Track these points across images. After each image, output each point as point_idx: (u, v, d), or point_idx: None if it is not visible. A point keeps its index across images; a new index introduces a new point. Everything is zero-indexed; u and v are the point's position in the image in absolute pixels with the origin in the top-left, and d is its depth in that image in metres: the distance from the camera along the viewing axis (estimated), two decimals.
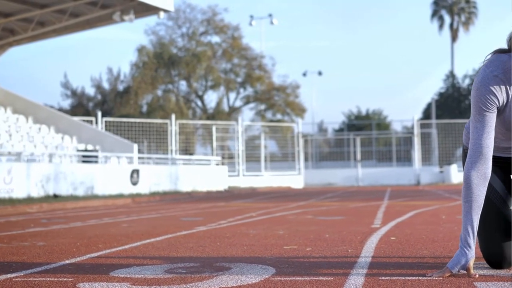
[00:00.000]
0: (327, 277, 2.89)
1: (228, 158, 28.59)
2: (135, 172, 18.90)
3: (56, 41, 75.59)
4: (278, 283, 2.76)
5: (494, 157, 3.14)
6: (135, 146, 21.45)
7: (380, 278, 2.85)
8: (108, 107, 42.20)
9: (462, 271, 2.83)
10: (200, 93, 39.24)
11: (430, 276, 2.86)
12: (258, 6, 79.41)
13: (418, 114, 43.76)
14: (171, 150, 25.54)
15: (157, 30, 38.65)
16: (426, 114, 47.37)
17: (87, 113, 39.81)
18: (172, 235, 5.15)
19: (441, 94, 48.37)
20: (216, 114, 37.64)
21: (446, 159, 31.86)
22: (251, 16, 41.25)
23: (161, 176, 20.08)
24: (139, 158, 21.82)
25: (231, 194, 17.96)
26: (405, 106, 77.07)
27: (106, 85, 43.33)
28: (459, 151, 33.37)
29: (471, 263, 2.82)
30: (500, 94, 2.82)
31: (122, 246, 4.42)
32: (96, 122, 24.73)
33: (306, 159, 31.46)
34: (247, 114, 40.19)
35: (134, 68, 37.64)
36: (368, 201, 11.64)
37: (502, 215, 3.05)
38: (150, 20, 48.04)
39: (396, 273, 2.98)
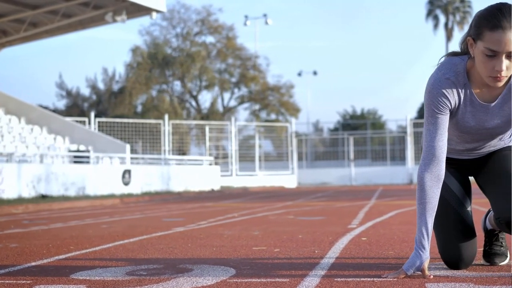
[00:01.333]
0: (284, 279, 2.91)
1: (223, 158, 28.61)
2: (127, 172, 18.92)
3: (51, 41, 75.65)
4: (233, 285, 2.78)
5: (451, 159, 3.16)
6: (128, 147, 21.47)
7: (335, 279, 2.87)
8: (103, 107, 42.20)
9: (417, 272, 2.85)
10: (194, 93, 39.26)
11: (385, 277, 2.87)
12: (254, 6, 79.41)
13: (412, 113, 43.78)
14: (164, 150, 25.55)
15: (152, 30, 38.75)
16: (421, 113, 47.42)
17: (82, 113, 39.80)
18: (147, 236, 5.16)
19: None
20: (211, 114, 37.68)
21: None
22: (246, 16, 41.32)
23: (153, 176, 20.10)
24: (132, 158, 21.84)
25: (222, 194, 17.97)
26: (399, 106, 77.23)
27: (101, 86, 43.34)
28: None
29: (426, 264, 2.84)
30: (452, 96, 2.84)
31: (93, 247, 4.43)
32: (89, 123, 24.73)
33: (300, 159, 31.48)
34: (242, 114, 40.22)
35: (128, 69, 37.64)
36: (355, 200, 11.67)
37: (459, 217, 3.07)
38: (144, 21, 47.96)
39: (353, 274, 3.00)
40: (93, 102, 44.47)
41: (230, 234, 5.25)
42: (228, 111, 39.54)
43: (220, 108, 39.67)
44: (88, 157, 19.41)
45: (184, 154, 27.40)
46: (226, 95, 39.90)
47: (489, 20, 2.64)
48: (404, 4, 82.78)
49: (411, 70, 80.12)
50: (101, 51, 71.96)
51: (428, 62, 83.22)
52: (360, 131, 39.38)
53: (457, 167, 3.18)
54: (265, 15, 41.20)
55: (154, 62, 37.08)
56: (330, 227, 5.74)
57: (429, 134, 2.86)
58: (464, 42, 2.86)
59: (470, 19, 45.25)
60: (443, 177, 2.88)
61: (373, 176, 30.87)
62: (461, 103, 2.86)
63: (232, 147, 27.48)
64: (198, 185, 21.75)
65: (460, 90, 2.84)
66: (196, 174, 22.29)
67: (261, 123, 34.41)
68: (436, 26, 49.98)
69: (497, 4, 2.70)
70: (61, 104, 46.44)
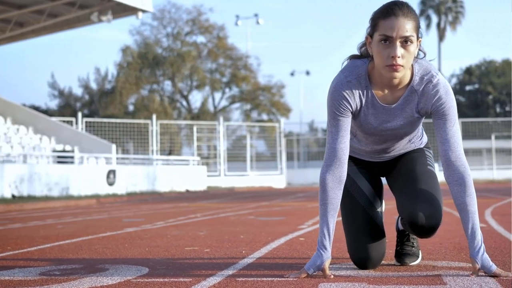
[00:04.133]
0: (187, 278, 2.93)
1: (214, 158, 28.62)
2: (112, 172, 18.91)
3: (43, 40, 75.51)
4: (133, 284, 2.80)
5: (363, 161, 3.19)
6: (113, 147, 21.45)
7: (237, 279, 2.88)
8: (96, 107, 42.19)
9: (319, 272, 2.87)
10: (185, 93, 39.26)
11: (287, 277, 2.89)
12: (245, 6, 79.45)
13: None
14: (152, 151, 25.56)
15: (142, 30, 38.70)
16: None
17: (74, 113, 39.80)
18: (92, 237, 5.18)
19: None
20: (201, 114, 37.68)
21: (434, 158, 31.94)
22: (237, 16, 41.35)
23: (138, 176, 20.11)
24: (118, 158, 21.84)
25: (206, 195, 18.00)
26: None
27: (94, 85, 43.31)
28: None
29: (327, 264, 2.86)
30: (353, 99, 2.86)
31: (30, 248, 4.44)
32: (77, 123, 24.73)
33: (292, 159, 31.48)
34: (234, 114, 40.23)
35: (118, 69, 37.63)
36: None
37: (368, 217, 3.09)
38: (134, 20, 48.00)
39: (259, 274, 3.01)
40: (86, 102, 44.45)
41: (176, 234, 5.27)
42: (220, 111, 39.57)
43: (211, 108, 39.69)
44: (72, 157, 19.42)
45: (170, 154, 27.39)
46: (217, 95, 39.95)
47: (383, 11, 2.71)
48: None
49: None
50: (94, 51, 72.01)
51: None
52: None
53: (369, 169, 3.21)
54: (256, 15, 41.26)
55: (144, 62, 37.08)
56: (280, 228, 5.76)
57: (331, 136, 2.88)
58: (363, 47, 2.89)
59: (462, 19, 45.29)
60: (345, 178, 2.91)
61: None
62: (363, 105, 2.89)
63: (221, 147, 27.49)
64: (184, 185, 21.76)
65: (361, 93, 2.86)
66: (183, 174, 22.30)
67: (251, 123, 34.44)
68: (428, 26, 50.02)
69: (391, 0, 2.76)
70: (54, 104, 46.46)
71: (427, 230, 2.84)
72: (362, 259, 3.06)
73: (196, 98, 50.67)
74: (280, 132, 29.55)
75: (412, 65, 2.82)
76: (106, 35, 72.77)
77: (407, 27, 2.65)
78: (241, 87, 39.10)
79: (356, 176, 3.16)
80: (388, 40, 2.67)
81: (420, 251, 3.36)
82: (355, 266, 3.15)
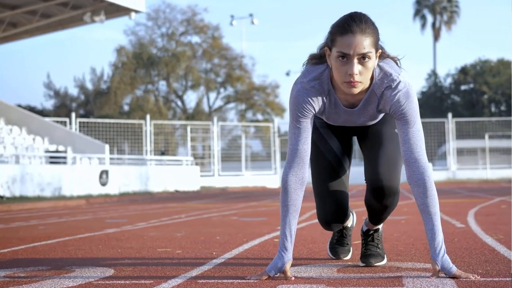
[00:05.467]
0: (149, 280, 2.92)
1: (209, 158, 28.61)
2: (104, 173, 18.91)
3: (37, 40, 75.42)
4: (93, 286, 2.79)
5: (336, 126, 3.21)
6: (107, 147, 21.44)
7: (198, 281, 2.88)
8: (92, 107, 42.17)
9: (280, 274, 2.87)
10: (179, 93, 39.24)
11: (248, 279, 2.89)
12: (240, 6, 79.44)
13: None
14: (146, 151, 25.54)
15: (137, 30, 38.68)
16: None
17: (70, 113, 39.78)
18: (69, 238, 5.17)
19: (423, 93, 48.49)
20: (196, 114, 37.67)
21: (428, 158, 31.97)
22: (232, 16, 41.33)
23: (131, 177, 20.09)
24: (111, 159, 21.83)
25: (198, 195, 17.99)
26: None
27: (89, 86, 43.28)
28: (441, 150, 33.52)
29: (288, 266, 2.86)
30: (317, 103, 2.87)
31: (2, 249, 4.43)
32: (70, 123, 24.72)
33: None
34: (230, 114, 40.23)
35: (113, 69, 37.60)
36: None
37: (337, 176, 3.16)
38: (130, 20, 47.97)
39: (223, 276, 3.01)
40: (81, 102, 44.41)
41: (153, 235, 5.26)
42: (215, 111, 39.56)
43: (205, 108, 39.69)
44: (65, 157, 19.41)
45: (163, 154, 27.35)
46: (212, 95, 39.95)
47: (340, 26, 2.69)
48: (391, 4, 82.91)
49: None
50: (90, 51, 71.94)
51: (417, 62, 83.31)
52: None
53: (341, 130, 3.24)
54: (251, 15, 41.24)
55: (139, 62, 37.07)
56: (259, 228, 5.75)
57: (294, 137, 2.89)
58: (322, 50, 2.89)
59: (457, 19, 45.38)
60: (306, 180, 2.92)
61: (360, 176, 30.86)
62: (326, 107, 2.91)
63: (215, 147, 27.49)
64: (177, 185, 21.75)
65: (324, 97, 2.88)
66: (176, 175, 22.29)
67: (246, 123, 34.43)
68: (423, 26, 50.06)
69: (350, 12, 2.75)
70: (49, 104, 46.39)
71: (385, 194, 2.99)
72: (326, 213, 3.14)
73: (191, 98, 50.65)
74: (274, 132, 29.56)
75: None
76: (102, 35, 72.74)
77: (364, 44, 2.65)
78: (236, 87, 39.11)
79: (327, 133, 3.21)
80: (345, 57, 2.67)
81: (385, 253, 3.37)
82: (318, 269, 3.15)
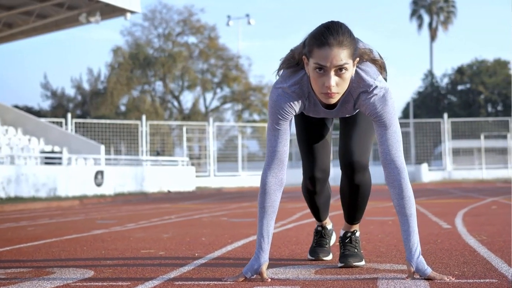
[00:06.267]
0: (126, 282, 2.93)
1: (205, 158, 28.61)
2: (99, 173, 18.91)
3: (35, 41, 75.38)
4: (71, 287, 2.81)
5: None
6: (102, 148, 21.47)
7: (175, 283, 2.89)
8: (89, 108, 42.17)
9: (257, 276, 2.89)
10: (176, 93, 39.24)
11: (225, 281, 2.91)
12: (237, 7, 79.47)
13: (397, 113, 43.86)
14: (142, 151, 25.55)
15: (133, 31, 38.67)
16: (405, 113, 47.50)
17: (66, 114, 39.77)
18: (56, 239, 5.18)
19: (420, 93, 48.54)
20: (192, 114, 37.68)
21: (424, 158, 32.02)
22: (228, 17, 41.30)
23: (126, 177, 20.09)
24: (106, 159, 21.83)
25: (193, 195, 18.00)
26: None
27: (86, 86, 43.25)
28: (437, 150, 33.53)
29: (264, 267, 2.88)
30: (297, 106, 2.91)
31: None
32: (66, 124, 24.72)
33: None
34: (226, 114, 40.22)
35: (109, 69, 37.60)
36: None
37: (319, 131, 3.29)
38: (126, 21, 47.96)
39: (200, 278, 3.02)
40: (78, 102, 44.39)
41: (139, 237, 5.28)
42: (212, 112, 39.56)
43: (202, 108, 39.69)
44: (60, 158, 19.41)
45: (158, 154, 27.36)
46: (208, 96, 39.94)
47: (317, 38, 2.70)
48: (388, 4, 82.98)
49: (396, 70, 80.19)
50: (88, 51, 71.88)
51: (414, 62, 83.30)
52: None
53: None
54: (247, 15, 41.22)
55: (135, 62, 37.07)
56: (247, 229, 5.77)
57: (274, 139, 2.92)
58: (299, 54, 2.89)
59: (454, 19, 45.38)
60: (285, 181, 2.96)
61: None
62: (306, 107, 2.95)
63: (210, 147, 27.50)
64: (173, 185, 21.76)
65: (304, 100, 2.92)
66: (172, 175, 22.30)
67: (242, 123, 34.44)
68: (420, 26, 50.12)
69: (326, 22, 2.76)
70: (46, 104, 46.35)
71: (355, 169, 3.17)
72: (311, 168, 3.29)
73: (187, 99, 50.64)
74: None
75: None
76: (100, 35, 72.69)
77: (341, 56, 2.67)
78: (232, 87, 39.13)
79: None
80: (322, 69, 2.69)
81: (363, 254, 3.40)
82: (296, 270, 3.17)
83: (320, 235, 3.60)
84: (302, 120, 3.28)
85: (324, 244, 3.58)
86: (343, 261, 3.26)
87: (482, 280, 2.76)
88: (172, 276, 3.08)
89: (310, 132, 3.28)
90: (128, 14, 22.05)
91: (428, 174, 29.69)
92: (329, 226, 3.64)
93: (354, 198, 3.27)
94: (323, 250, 3.56)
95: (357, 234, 3.39)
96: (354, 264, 3.24)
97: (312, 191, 3.36)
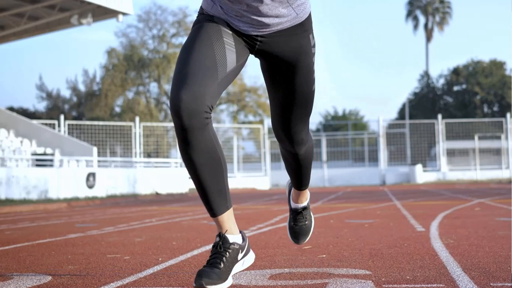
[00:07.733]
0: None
1: None
2: (91, 175, 18.91)
3: (30, 42, 75.31)
4: None
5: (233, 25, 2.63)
6: (94, 149, 21.46)
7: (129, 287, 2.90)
8: (84, 109, 42.18)
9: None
10: None
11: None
12: None
13: (393, 114, 43.80)
14: (135, 153, 25.54)
15: (128, 32, 38.68)
16: (401, 114, 47.53)
17: (60, 116, 39.74)
18: (28, 243, 5.18)
19: (415, 94, 48.58)
20: None
21: (419, 159, 32.04)
22: None
23: (118, 179, 20.09)
24: (99, 161, 21.83)
25: (183, 197, 18.00)
26: (380, 106, 77.31)
27: (82, 87, 43.26)
28: (433, 151, 33.56)
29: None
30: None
31: None
32: (59, 125, 24.72)
33: (278, 160, 31.50)
34: (222, 115, 40.16)
35: (104, 71, 37.62)
36: None
37: (212, 59, 2.54)
38: (120, 22, 47.95)
39: (154, 284, 3.03)
40: (74, 104, 44.40)
41: (111, 241, 5.28)
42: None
43: None
44: (52, 160, 19.41)
45: (157, 156, 27.36)
46: None
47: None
48: (384, 5, 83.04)
49: (392, 70, 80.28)
50: (83, 53, 71.88)
51: (410, 63, 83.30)
52: (341, 132, 39.48)
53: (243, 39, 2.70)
54: None
55: (130, 64, 37.09)
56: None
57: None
58: None
59: (450, 20, 45.42)
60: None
61: (350, 178, 30.93)
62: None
63: None
64: (166, 187, 21.77)
65: None
66: (165, 177, 22.31)
67: (237, 124, 34.46)
68: (416, 27, 50.17)
69: None
70: (42, 106, 46.37)
71: (294, 143, 2.91)
72: (178, 86, 2.40)
73: None
74: (265, 133, 29.59)
75: None
76: (96, 37, 72.69)
77: None
78: (227, 88, 39.17)
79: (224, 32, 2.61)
80: None
81: (311, 225, 3.33)
82: (250, 275, 3.17)
83: (216, 251, 2.58)
84: (197, 30, 2.59)
85: (217, 263, 2.54)
86: (294, 236, 3.28)
87: (429, 285, 2.77)
88: (126, 282, 3.09)
89: (199, 43, 2.52)
90: (120, 16, 22.06)
91: (422, 175, 29.71)
92: (233, 236, 2.64)
93: (298, 166, 3.07)
94: (211, 274, 2.48)
95: (308, 207, 3.30)
96: (304, 242, 3.29)
97: (180, 128, 2.39)
